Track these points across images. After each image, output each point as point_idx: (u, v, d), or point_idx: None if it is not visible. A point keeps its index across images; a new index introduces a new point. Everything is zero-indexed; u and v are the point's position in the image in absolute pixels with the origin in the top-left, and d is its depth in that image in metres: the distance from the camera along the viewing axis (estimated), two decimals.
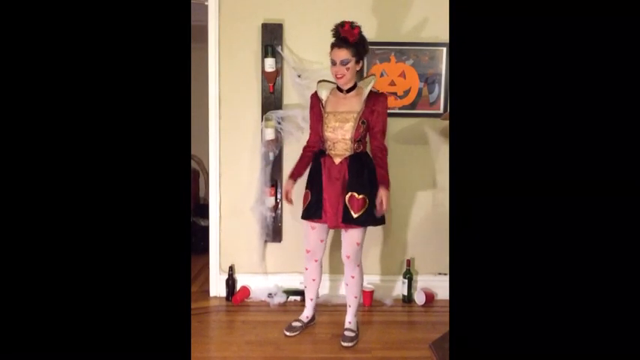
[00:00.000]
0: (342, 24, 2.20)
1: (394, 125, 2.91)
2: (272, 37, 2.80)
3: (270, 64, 2.77)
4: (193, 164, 4.41)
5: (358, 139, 2.28)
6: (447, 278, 2.93)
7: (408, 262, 2.95)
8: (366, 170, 2.29)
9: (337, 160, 2.29)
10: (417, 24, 2.85)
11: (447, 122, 2.75)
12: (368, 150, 2.38)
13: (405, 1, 2.83)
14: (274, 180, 2.89)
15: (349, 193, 2.25)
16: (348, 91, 2.29)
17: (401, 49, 2.84)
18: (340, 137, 2.27)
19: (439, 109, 2.90)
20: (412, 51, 2.85)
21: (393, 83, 2.87)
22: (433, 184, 2.97)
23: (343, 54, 2.18)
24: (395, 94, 2.88)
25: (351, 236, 2.32)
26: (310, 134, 2.45)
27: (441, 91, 2.88)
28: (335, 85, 2.34)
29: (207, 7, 2.83)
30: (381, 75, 2.85)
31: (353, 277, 2.40)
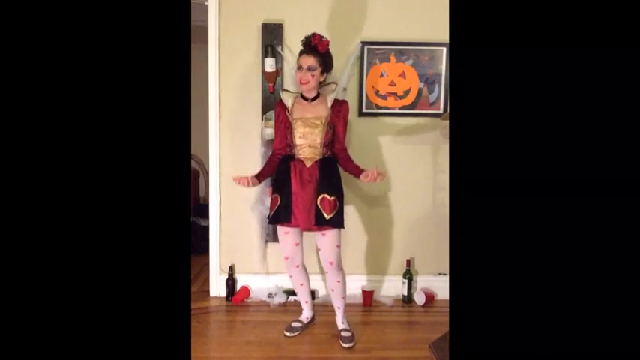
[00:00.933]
0: (313, 35, 2.27)
1: (394, 125, 2.92)
2: (272, 37, 2.80)
3: (270, 64, 2.77)
4: (193, 164, 4.41)
5: (327, 144, 2.34)
6: (447, 278, 2.94)
7: (408, 262, 2.95)
8: (335, 174, 2.36)
9: (308, 164, 2.33)
10: (417, 24, 2.85)
11: (447, 122, 2.75)
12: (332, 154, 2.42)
13: (405, 1, 2.84)
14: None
15: (321, 196, 2.29)
16: (313, 99, 2.35)
17: (401, 49, 2.84)
18: (310, 142, 2.32)
19: (439, 109, 2.90)
20: (412, 51, 2.85)
21: (393, 83, 2.87)
22: (433, 184, 2.97)
23: (311, 61, 2.25)
24: (395, 94, 2.88)
25: (330, 239, 2.33)
26: (275, 142, 2.47)
27: (441, 91, 2.88)
28: (298, 94, 2.40)
29: (207, 7, 2.83)
30: (381, 75, 2.86)
31: (339, 282, 2.41)
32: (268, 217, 2.41)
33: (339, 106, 2.35)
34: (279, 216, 2.34)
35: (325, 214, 2.27)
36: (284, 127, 2.40)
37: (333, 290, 2.44)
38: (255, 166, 2.88)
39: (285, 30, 2.83)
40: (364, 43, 2.82)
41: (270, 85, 2.82)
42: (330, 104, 2.33)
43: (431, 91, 2.88)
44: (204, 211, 3.72)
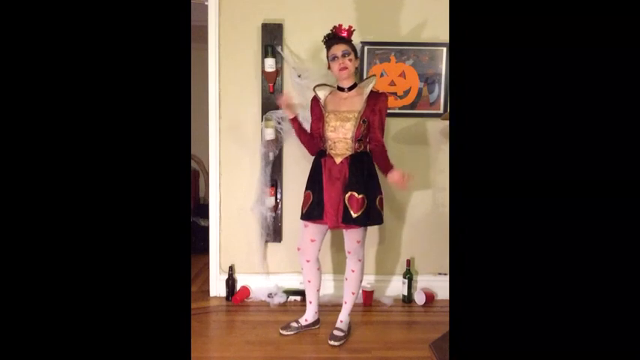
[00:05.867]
0: (335, 27, 2.29)
1: (394, 125, 2.92)
2: (272, 37, 2.80)
3: (270, 64, 2.77)
4: (193, 164, 4.41)
5: (359, 139, 2.29)
6: (447, 278, 2.94)
7: (408, 262, 2.95)
8: (366, 170, 2.30)
9: (338, 160, 2.29)
10: (417, 24, 2.85)
11: (447, 122, 2.75)
12: (368, 149, 2.38)
13: (405, 2, 2.84)
14: (274, 180, 2.90)
15: (349, 193, 2.25)
16: (349, 89, 2.31)
17: (401, 49, 2.84)
18: (342, 136, 2.28)
19: (439, 109, 2.90)
20: (412, 51, 2.85)
21: (393, 83, 2.87)
22: (433, 184, 2.97)
23: (343, 47, 2.25)
24: (395, 94, 2.88)
25: (352, 235, 2.35)
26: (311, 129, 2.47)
27: (441, 91, 2.88)
28: (334, 87, 2.37)
29: (207, 7, 2.83)
30: (381, 75, 2.85)
31: (353, 271, 2.43)
32: (302, 213, 2.39)
33: (376, 99, 2.28)
34: (312, 212, 2.32)
35: (352, 212, 2.24)
36: (317, 120, 2.38)
37: (346, 279, 2.46)
38: (255, 166, 2.89)
39: (285, 30, 2.83)
40: (364, 43, 2.82)
41: (270, 85, 2.82)
42: (365, 96, 2.28)
43: (431, 91, 2.88)
44: (204, 211, 3.72)
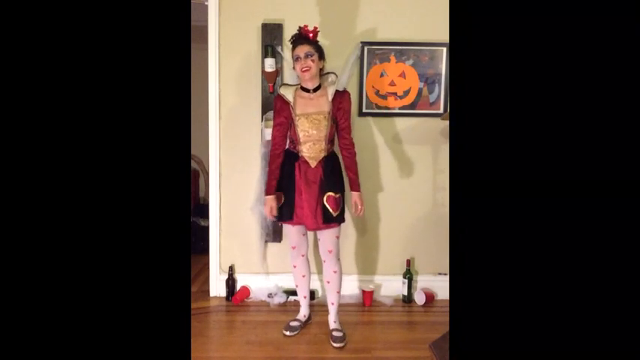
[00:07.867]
0: (301, 27, 2.32)
1: (394, 125, 2.92)
2: (272, 37, 2.80)
3: (270, 64, 2.77)
4: (193, 164, 4.41)
5: (331, 139, 2.37)
6: (447, 278, 2.94)
7: (408, 262, 2.95)
8: (337, 169, 2.40)
9: (313, 164, 2.34)
10: (417, 24, 2.85)
11: (447, 122, 2.75)
12: (334, 149, 2.44)
13: (405, 1, 2.84)
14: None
15: (327, 194, 2.32)
16: (315, 90, 2.34)
17: (401, 49, 2.84)
18: (315, 138, 2.32)
19: (439, 109, 2.90)
20: (412, 51, 2.85)
21: (393, 83, 2.87)
22: (433, 184, 2.97)
23: (306, 48, 2.27)
24: (395, 94, 2.88)
25: (330, 231, 2.37)
26: (274, 137, 2.41)
27: (441, 91, 2.88)
28: (298, 86, 2.38)
29: (207, 7, 2.83)
30: (381, 75, 2.86)
31: (335, 272, 2.43)
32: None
33: (340, 98, 2.34)
34: (284, 214, 2.39)
35: (332, 212, 2.31)
36: (286, 122, 2.37)
37: (328, 282, 2.46)
38: (255, 166, 2.89)
39: (285, 30, 2.82)
40: (364, 43, 2.82)
41: (270, 85, 2.82)
42: (331, 97, 2.32)
43: (431, 91, 2.88)
44: (204, 211, 3.72)
